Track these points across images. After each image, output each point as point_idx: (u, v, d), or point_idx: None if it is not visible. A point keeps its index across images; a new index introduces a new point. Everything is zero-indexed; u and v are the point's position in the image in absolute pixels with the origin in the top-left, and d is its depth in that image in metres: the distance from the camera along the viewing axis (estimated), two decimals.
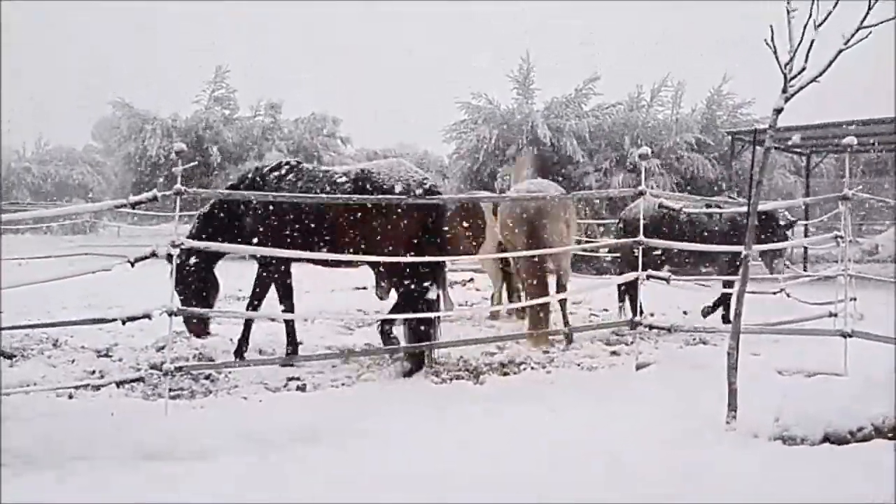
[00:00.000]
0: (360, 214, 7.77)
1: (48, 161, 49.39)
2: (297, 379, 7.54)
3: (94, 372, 7.67)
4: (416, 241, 7.87)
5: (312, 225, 7.90)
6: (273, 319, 9.71)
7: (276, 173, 8.39)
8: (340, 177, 8.13)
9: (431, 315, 7.90)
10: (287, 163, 8.57)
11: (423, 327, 7.86)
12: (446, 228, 8.63)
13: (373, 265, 8.17)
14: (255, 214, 8.12)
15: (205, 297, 8.57)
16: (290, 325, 8.47)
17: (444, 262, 8.28)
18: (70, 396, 6.63)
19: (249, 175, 8.56)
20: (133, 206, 6.64)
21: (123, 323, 7.09)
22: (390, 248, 7.76)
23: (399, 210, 7.76)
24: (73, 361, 8.02)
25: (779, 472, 4.66)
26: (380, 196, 7.65)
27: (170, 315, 6.29)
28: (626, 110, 26.99)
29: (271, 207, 7.98)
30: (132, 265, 6.78)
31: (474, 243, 11.44)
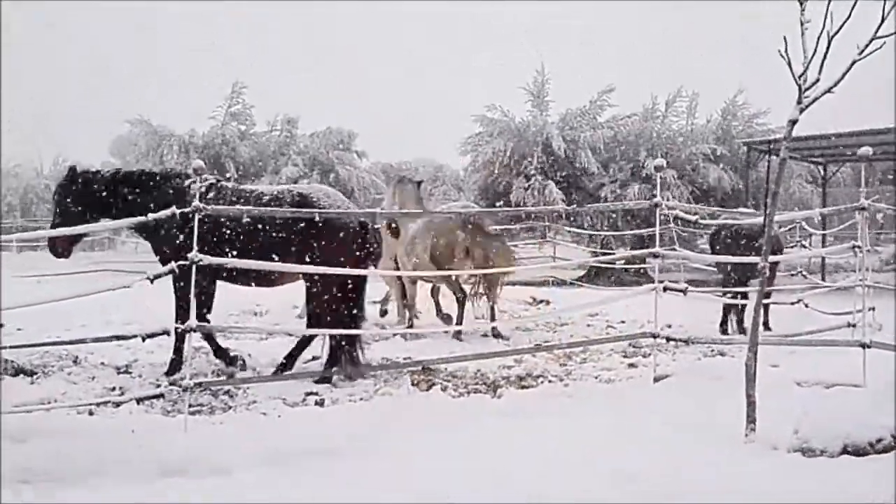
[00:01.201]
0: (301, 234, 7.99)
1: None
2: (316, 394, 7.55)
3: (114, 388, 7.72)
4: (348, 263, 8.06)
5: (252, 242, 8.04)
6: (290, 334, 9.77)
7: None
8: (269, 197, 8.35)
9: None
10: (205, 179, 8.56)
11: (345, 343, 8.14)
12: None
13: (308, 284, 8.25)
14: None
15: None
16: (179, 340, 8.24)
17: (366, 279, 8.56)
18: (91, 413, 6.64)
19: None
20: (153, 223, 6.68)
21: (143, 339, 7.18)
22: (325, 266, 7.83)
23: (339, 234, 8.07)
24: (93, 378, 8.07)
25: (798, 487, 4.65)
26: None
27: (189, 332, 6.33)
28: (640, 121, 26.91)
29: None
30: (151, 282, 6.84)
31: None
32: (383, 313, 12.90)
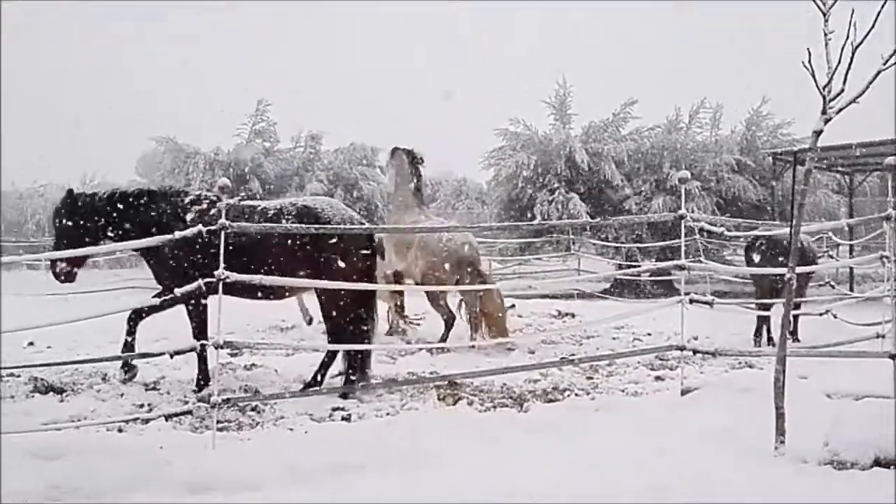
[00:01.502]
0: (309, 247, 7.99)
1: None
2: (342, 409, 7.57)
3: (142, 405, 7.76)
4: (356, 275, 8.09)
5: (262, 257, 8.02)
6: (316, 350, 9.80)
7: (196, 207, 8.47)
8: (273, 212, 8.31)
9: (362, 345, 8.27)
10: (207, 198, 8.63)
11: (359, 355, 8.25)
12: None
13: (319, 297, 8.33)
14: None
15: None
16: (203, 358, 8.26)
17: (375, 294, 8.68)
18: (120, 430, 6.71)
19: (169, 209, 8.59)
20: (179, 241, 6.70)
21: (171, 356, 7.22)
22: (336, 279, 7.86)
23: (345, 246, 8.06)
24: (122, 395, 8.12)
25: (829, 500, 4.61)
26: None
27: (216, 348, 6.36)
28: (664, 133, 26.86)
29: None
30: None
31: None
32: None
